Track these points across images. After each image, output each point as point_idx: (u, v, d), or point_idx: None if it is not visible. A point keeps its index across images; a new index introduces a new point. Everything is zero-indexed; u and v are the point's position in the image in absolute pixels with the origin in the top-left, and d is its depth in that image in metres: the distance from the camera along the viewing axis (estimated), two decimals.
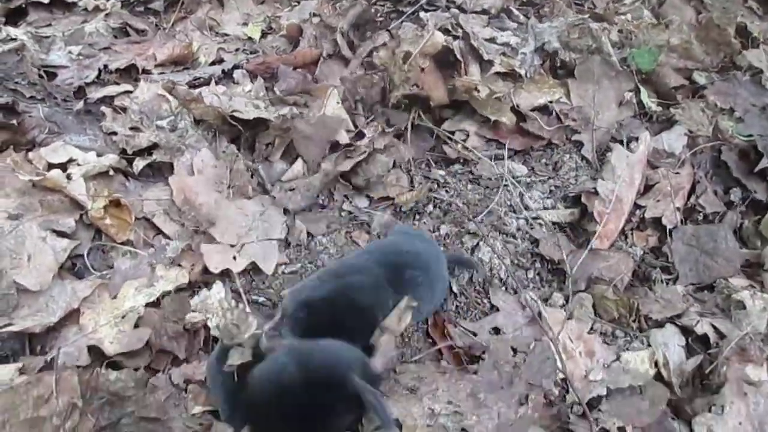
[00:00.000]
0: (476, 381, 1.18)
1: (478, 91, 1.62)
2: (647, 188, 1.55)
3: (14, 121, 1.46)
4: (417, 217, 1.56)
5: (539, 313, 1.32)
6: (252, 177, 1.53)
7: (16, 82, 1.59)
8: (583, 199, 1.52)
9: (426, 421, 1.09)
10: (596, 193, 1.51)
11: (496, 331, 1.31)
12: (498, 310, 1.35)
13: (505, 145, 1.67)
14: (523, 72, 1.73)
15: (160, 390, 1.14)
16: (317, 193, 1.52)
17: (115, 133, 1.54)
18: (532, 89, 1.72)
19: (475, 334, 1.28)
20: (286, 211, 1.47)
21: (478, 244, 1.47)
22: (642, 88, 1.73)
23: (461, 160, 1.67)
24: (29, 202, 1.33)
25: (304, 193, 1.49)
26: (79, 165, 1.45)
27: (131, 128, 1.55)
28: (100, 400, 1.02)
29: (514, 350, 1.25)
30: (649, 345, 1.30)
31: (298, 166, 1.51)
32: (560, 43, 1.80)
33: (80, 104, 1.57)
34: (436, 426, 1.10)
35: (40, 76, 1.64)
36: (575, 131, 1.68)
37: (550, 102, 1.70)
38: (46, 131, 1.49)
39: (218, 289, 1.18)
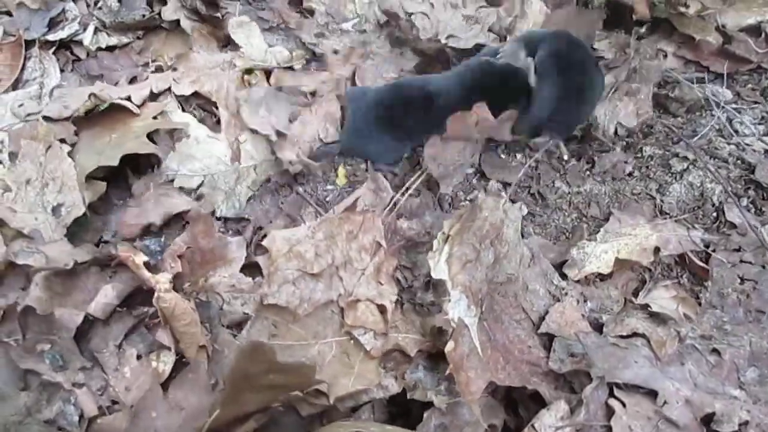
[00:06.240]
0: (720, 316, 1.14)
1: (687, 6, 1.50)
2: None
3: (218, 14, 1.44)
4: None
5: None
6: None
7: None
8: None
9: (674, 339, 1.05)
10: None
11: None
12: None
13: (706, 67, 1.56)
14: None
15: None
16: None
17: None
18: (741, 8, 1.57)
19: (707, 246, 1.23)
20: None
21: (687, 167, 1.38)
22: None
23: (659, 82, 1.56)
24: None
25: None
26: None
27: (316, 34, 1.51)
28: (398, 243, 1.10)
29: (741, 278, 1.20)
30: None
31: None
32: None
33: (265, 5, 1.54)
34: (685, 345, 1.06)
35: None
36: None
37: (761, 22, 1.56)
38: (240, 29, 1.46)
39: None
